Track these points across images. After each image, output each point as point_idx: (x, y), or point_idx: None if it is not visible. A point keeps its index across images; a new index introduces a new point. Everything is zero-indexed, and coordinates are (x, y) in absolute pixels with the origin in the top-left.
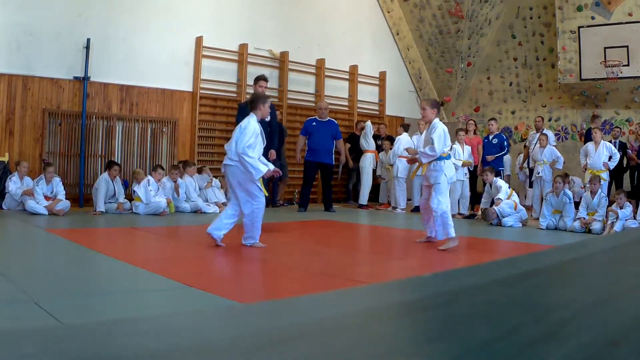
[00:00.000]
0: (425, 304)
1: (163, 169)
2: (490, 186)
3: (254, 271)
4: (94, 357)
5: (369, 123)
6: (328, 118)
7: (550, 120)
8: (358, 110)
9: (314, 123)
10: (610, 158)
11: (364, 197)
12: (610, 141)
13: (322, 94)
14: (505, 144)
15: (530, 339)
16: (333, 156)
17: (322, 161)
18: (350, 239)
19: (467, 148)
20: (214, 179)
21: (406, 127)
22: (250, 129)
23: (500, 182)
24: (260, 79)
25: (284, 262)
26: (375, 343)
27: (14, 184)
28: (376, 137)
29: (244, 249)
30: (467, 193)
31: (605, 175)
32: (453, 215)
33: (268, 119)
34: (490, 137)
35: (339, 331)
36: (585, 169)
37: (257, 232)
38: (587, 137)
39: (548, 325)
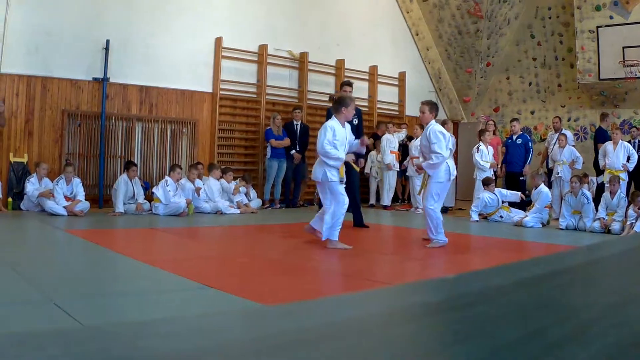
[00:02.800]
0: (450, 305)
1: (181, 168)
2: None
3: (274, 272)
4: (116, 359)
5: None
6: None
7: (569, 120)
8: (378, 110)
9: None
10: (628, 159)
11: (386, 198)
12: (629, 141)
13: None
14: (530, 144)
15: (556, 341)
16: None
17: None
18: (370, 239)
19: (491, 149)
20: (240, 185)
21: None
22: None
23: (503, 190)
24: (344, 84)
25: (304, 263)
26: (399, 345)
27: (31, 185)
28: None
29: (266, 248)
30: None
31: (623, 176)
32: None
33: (356, 121)
34: (514, 137)
35: (362, 333)
36: (604, 170)
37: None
38: (598, 136)
39: (573, 326)
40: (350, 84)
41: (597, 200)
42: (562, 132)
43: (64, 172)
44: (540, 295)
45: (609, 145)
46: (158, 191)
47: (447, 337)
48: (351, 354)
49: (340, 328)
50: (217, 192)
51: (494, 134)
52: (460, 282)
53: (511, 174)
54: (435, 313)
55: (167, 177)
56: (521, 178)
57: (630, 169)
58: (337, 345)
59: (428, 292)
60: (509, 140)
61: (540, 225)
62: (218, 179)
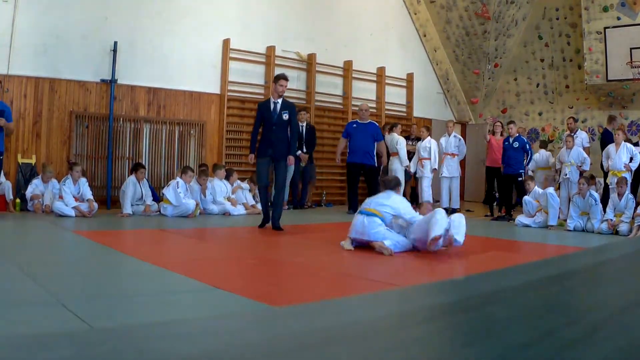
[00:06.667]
0: (460, 306)
1: (193, 170)
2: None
3: (283, 273)
4: None
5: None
6: (369, 120)
7: (576, 121)
8: (386, 112)
9: (355, 125)
10: (631, 159)
11: None
12: (637, 142)
13: (350, 96)
14: (527, 146)
15: (566, 342)
16: (375, 158)
17: (362, 162)
18: None
19: None
20: (242, 183)
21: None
22: None
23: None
24: (276, 77)
25: (312, 264)
26: (410, 347)
27: (31, 187)
28: (406, 137)
29: (274, 249)
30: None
31: (627, 176)
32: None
33: (286, 117)
34: (511, 140)
35: (373, 334)
36: (607, 171)
37: None
38: (604, 138)
39: (583, 328)
40: (283, 78)
41: (604, 201)
42: (576, 133)
43: (72, 171)
44: (549, 297)
45: (611, 146)
46: (168, 192)
47: (458, 338)
48: (362, 356)
49: (351, 330)
50: (219, 192)
51: (501, 135)
52: (470, 284)
53: (508, 176)
54: (445, 315)
55: (178, 179)
56: (519, 179)
57: (634, 169)
58: (347, 347)
59: (438, 294)
60: (506, 143)
61: (539, 226)
62: (221, 179)
